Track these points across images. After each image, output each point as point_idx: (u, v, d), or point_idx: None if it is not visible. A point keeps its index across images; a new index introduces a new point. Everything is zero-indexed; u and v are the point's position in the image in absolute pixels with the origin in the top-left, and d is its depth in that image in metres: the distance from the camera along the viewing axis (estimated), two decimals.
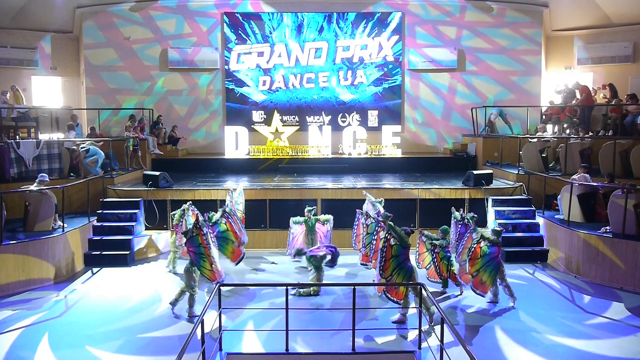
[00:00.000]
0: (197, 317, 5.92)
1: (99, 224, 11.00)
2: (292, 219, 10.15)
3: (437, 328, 5.95)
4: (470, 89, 17.11)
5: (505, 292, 8.19)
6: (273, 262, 10.47)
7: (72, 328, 7.44)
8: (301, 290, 8.60)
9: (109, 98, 16.78)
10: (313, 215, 10.06)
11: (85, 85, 16.94)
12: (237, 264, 9.23)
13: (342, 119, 17.23)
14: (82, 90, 17.25)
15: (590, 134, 13.38)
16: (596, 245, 9.30)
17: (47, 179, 10.19)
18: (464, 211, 9.72)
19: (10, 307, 8.18)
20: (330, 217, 10.29)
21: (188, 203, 9.80)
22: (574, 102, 14.34)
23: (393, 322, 7.45)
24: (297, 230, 10.05)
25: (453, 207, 9.74)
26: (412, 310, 7.66)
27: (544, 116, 15.53)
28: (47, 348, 6.83)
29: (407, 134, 17.09)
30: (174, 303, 7.91)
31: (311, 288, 8.58)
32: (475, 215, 9.27)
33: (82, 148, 12.07)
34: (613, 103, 13.72)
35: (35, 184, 10.00)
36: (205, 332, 5.98)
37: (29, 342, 7.00)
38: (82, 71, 17.14)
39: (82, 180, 11.28)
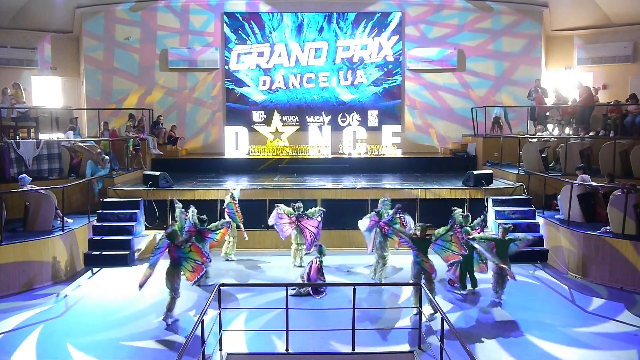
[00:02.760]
0: (197, 317, 5.90)
1: (99, 224, 11.00)
2: (281, 206, 10.17)
3: (438, 328, 5.95)
4: (470, 88, 17.11)
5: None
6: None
7: (72, 328, 7.44)
8: (301, 289, 8.62)
9: (107, 93, 16.83)
10: (300, 211, 10.07)
11: (84, 85, 16.97)
12: (194, 283, 8.12)
13: (342, 119, 17.23)
14: (82, 90, 17.25)
15: (591, 134, 13.38)
16: (596, 245, 9.30)
17: (28, 180, 10.19)
18: (463, 211, 9.72)
19: (10, 307, 8.18)
20: (316, 209, 10.23)
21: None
22: (572, 101, 14.35)
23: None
24: (284, 217, 10.07)
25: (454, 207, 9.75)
26: (414, 310, 7.69)
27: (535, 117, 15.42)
28: (46, 348, 6.84)
29: (407, 133, 17.08)
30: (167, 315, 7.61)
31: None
32: (469, 215, 9.36)
33: (103, 156, 11.98)
34: (612, 103, 13.73)
35: (26, 187, 10.02)
36: (205, 332, 5.98)
37: (29, 341, 7.00)
38: (82, 71, 17.14)
39: (82, 180, 11.28)
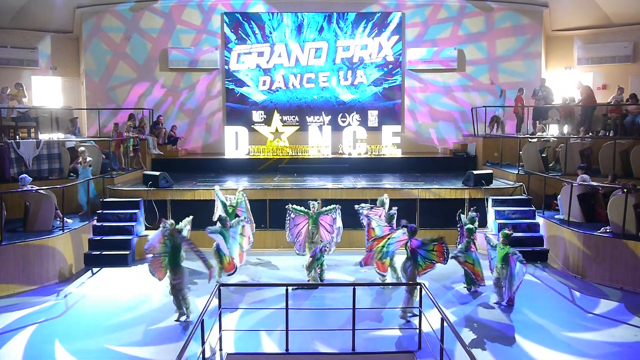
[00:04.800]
0: (197, 317, 5.90)
1: (99, 224, 11.00)
2: (293, 206, 9.89)
3: (438, 328, 5.95)
4: (470, 88, 17.11)
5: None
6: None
7: (72, 328, 7.44)
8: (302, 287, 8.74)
9: (105, 96, 16.84)
10: (317, 210, 9.85)
11: (85, 84, 16.97)
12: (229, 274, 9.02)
13: (342, 119, 17.23)
14: (82, 90, 17.25)
15: (590, 134, 13.38)
16: (596, 245, 9.30)
17: (28, 180, 10.14)
18: (465, 211, 9.77)
19: (10, 308, 8.17)
20: (334, 206, 9.92)
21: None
22: (563, 101, 14.39)
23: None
24: (300, 220, 9.86)
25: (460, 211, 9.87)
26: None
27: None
28: (47, 348, 6.83)
29: (407, 133, 17.08)
30: (180, 316, 7.73)
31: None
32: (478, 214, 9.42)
33: (86, 157, 11.43)
34: (613, 103, 13.74)
35: (27, 187, 9.99)
36: (205, 332, 5.98)
37: (29, 342, 7.00)
38: (82, 71, 17.14)
39: (82, 180, 11.27)
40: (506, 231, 8.28)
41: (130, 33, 16.77)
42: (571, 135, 13.23)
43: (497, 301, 8.29)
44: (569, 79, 16.46)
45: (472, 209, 9.63)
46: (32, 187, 10.09)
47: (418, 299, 7.10)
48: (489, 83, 16.28)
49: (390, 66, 17.18)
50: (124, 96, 16.92)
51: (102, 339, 7.05)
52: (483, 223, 11.45)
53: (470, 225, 8.84)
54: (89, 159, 11.28)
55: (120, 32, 16.79)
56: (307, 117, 17.22)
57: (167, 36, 16.91)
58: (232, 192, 11.00)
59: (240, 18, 16.97)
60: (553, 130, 14.99)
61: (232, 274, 9.01)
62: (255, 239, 11.35)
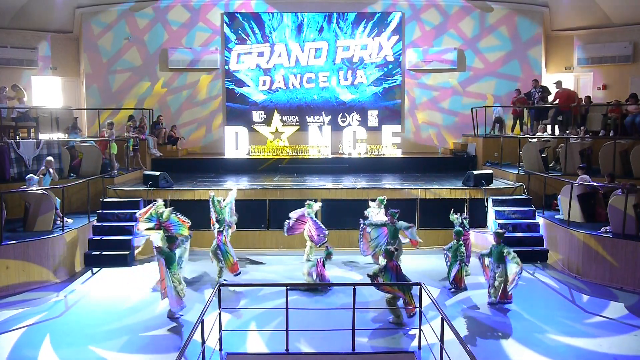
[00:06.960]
0: (197, 317, 5.90)
1: (99, 224, 11.01)
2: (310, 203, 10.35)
3: (438, 328, 5.95)
4: (470, 88, 17.11)
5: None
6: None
7: (72, 328, 7.44)
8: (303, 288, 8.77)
9: (108, 97, 16.84)
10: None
11: (85, 85, 16.97)
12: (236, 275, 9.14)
13: (342, 119, 17.23)
14: (82, 90, 17.25)
15: (590, 134, 13.39)
16: (596, 245, 9.30)
17: (35, 180, 10.10)
18: (461, 213, 9.82)
19: (11, 308, 8.18)
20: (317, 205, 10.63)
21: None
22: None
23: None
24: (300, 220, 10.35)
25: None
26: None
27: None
28: (49, 348, 6.83)
29: (407, 133, 17.08)
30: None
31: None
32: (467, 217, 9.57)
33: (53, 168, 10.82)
34: (612, 103, 13.74)
35: (33, 186, 9.97)
36: (205, 332, 5.98)
37: (30, 342, 7.00)
38: (82, 71, 17.14)
39: (82, 180, 11.27)
40: (499, 230, 8.41)
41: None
42: (571, 135, 13.24)
43: (489, 301, 8.27)
44: (568, 80, 16.46)
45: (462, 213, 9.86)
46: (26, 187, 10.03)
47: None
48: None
49: (390, 66, 17.17)
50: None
51: (97, 343, 6.99)
52: (483, 223, 11.46)
53: (459, 229, 9.07)
54: (53, 168, 10.78)
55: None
56: (307, 117, 17.22)
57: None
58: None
59: (240, 18, 16.97)
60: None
61: (238, 274, 9.10)
62: (255, 238, 11.41)
